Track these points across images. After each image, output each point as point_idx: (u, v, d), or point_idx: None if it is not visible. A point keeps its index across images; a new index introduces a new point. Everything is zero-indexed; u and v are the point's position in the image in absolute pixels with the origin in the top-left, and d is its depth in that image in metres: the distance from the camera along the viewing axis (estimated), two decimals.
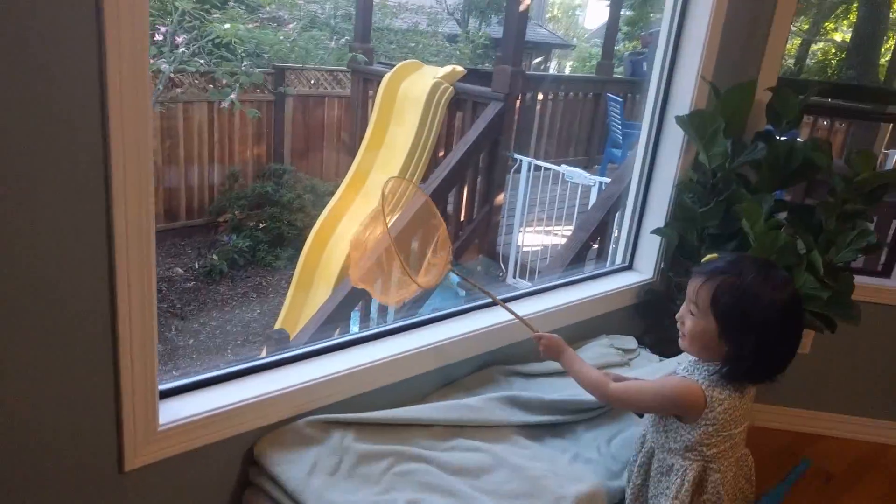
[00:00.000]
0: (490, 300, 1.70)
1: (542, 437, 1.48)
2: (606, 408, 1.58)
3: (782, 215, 1.99)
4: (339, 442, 1.31)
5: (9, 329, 0.95)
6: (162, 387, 1.20)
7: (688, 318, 1.23)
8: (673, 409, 1.24)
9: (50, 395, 1.02)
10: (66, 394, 1.04)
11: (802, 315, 1.23)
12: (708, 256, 1.28)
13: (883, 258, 2.52)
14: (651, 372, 1.72)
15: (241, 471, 1.31)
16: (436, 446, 1.36)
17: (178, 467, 1.21)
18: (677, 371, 1.30)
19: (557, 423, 1.52)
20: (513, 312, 1.54)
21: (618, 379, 1.37)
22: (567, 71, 16.20)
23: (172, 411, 1.20)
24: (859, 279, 2.38)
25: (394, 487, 1.23)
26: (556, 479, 1.32)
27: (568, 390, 1.58)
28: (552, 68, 15.98)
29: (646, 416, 1.34)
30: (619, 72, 9.03)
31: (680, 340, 1.27)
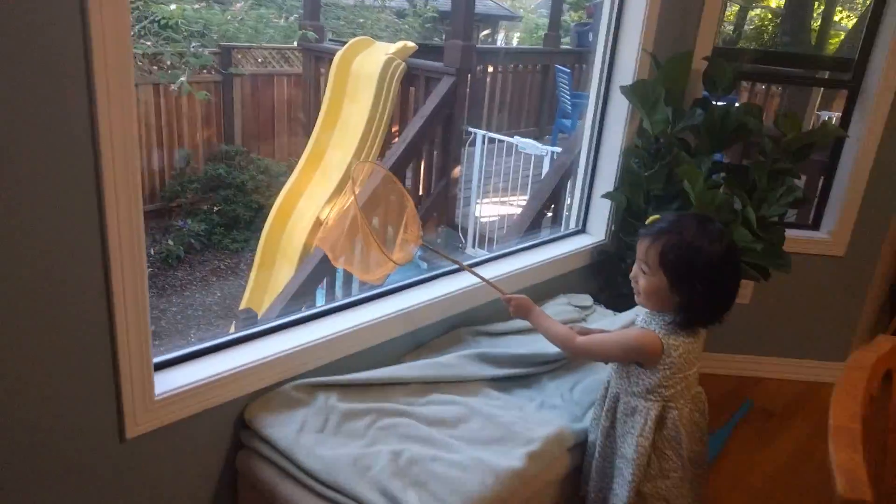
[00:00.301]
0: (455, 267, 1.82)
1: (510, 388, 1.61)
2: (567, 360, 1.72)
3: (721, 176, 2.15)
4: (323, 402, 1.42)
5: (13, 311, 1.02)
6: (156, 359, 1.28)
7: (641, 277, 1.36)
8: (634, 356, 1.37)
9: (54, 373, 1.09)
10: (69, 370, 1.11)
11: (739, 261, 1.36)
12: (651, 218, 1.42)
13: (812, 213, 2.72)
14: (608, 324, 1.87)
15: (233, 434, 1.40)
16: (414, 402, 1.48)
17: (175, 434, 1.30)
18: (636, 322, 1.44)
19: (524, 375, 1.65)
20: (481, 277, 1.65)
21: (582, 332, 1.50)
22: (514, 43, 16.23)
23: (167, 382, 1.28)
24: (793, 232, 2.59)
25: (378, 440, 1.34)
26: (525, 424, 1.45)
27: (532, 345, 1.71)
28: (500, 40, 15.99)
29: (609, 364, 1.48)
30: (566, 42, 9.16)
31: (636, 297, 1.40)
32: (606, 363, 1.52)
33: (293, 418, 1.36)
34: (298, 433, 1.33)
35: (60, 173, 1.02)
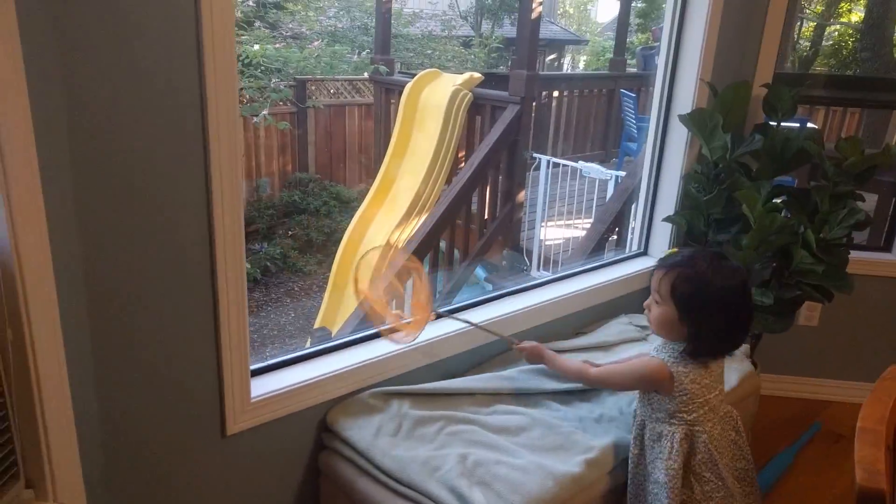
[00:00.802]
0: (517, 287, 1.93)
1: (570, 401, 1.70)
2: None
3: (783, 199, 2.19)
4: (397, 409, 1.55)
5: (142, 323, 1.20)
6: (252, 367, 1.45)
7: (653, 306, 1.43)
8: (646, 384, 1.44)
9: (170, 376, 1.27)
10: (182, 375, 1.29)
11: (750, 300, 1.42)
12: (668, 251, 1.51)
13: (884, 235, 2.69)
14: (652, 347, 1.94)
15: (316, 436, 1.55)
16: (479, 411, 1.59)
17: (267, 433, 1.46)
18: (651, 353, 1.48)
19: (584, 389, 1.73)
20: (492, 331, 1.71)
21: (595, 366, 1.58)
22: (581, 66, 16.28)
23: (261, 387, 1.44)
24: (864, 255, 2.57)
25: (446, 444, 1.46)
26: (584, 434, 1.54)
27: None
28: (566, 64, 16.09)
29: (635, 393, 1.54)
30: (631, 64, 9.17)
31: (649, 326, 1.47)
32: (624, 391, 1.62)
33: (370, 423, 1.50)
34: (375, 436, 1.46)
35: (178, 199, 1.20)
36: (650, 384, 1.43)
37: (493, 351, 1.91)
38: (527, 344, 1.64)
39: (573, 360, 1.59)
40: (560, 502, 1.35)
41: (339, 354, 1.63)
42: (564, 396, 1.70)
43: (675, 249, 1.50)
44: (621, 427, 1.61)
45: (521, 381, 1.70)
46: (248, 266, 6.40)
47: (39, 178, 0.98)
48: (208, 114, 1.18)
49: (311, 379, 1.51)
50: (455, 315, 1.73)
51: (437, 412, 1.55)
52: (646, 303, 1.46)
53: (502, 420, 1.56)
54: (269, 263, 6.49)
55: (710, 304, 1.34)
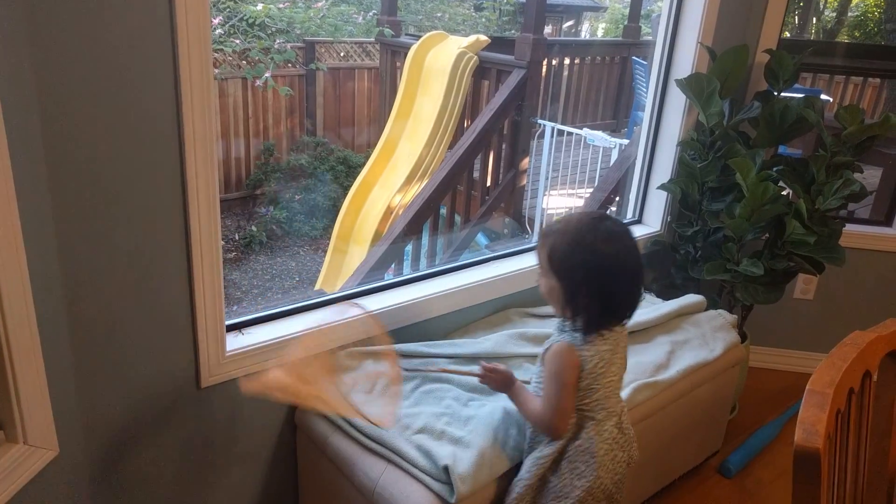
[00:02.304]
0: (510, 251, 1.93)
1: None
2: None
3: (778, 168, 2.15)
4: (372, 368, 1.56)
5: (116, 280, 1.21)
6: (228, 322, 1.45)
7: (540, 280, 1.31)
8: (573, 377, 1.27)
9: (147, 331, 1.28)
10: (158, 329, 1.30)
11: (636, 264, 1.27)
12: (555, 219, 1.37)
13: (886, 208, 2.64)
14: (651, 312, 1.93)
15: None
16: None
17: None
18: (552, 338, 1.33)
19: None
20: (456, 371, 1.55)
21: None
22: (599, 33, 15.98)
23: (236, 342, 1.45)
24: (864, 228, 2.54)
25: (420, 402, 1.47)
26: None
27: None
28: (584, 31, 15.79)
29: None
30: (647, 32, 8.97)
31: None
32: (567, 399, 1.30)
33: (345, 380, 1.51)
34: (348, 393, 1.47)
35: (150, 166, 1.19)
36: (574, 375, 1.26)
37: (480, 314, 1.91)
38: (499, 367, 1.40)
39: (534, 399, 1.34)
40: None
41: (318, 312, 1.63)
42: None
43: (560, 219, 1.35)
44: None
45: (499, 345, 1.70)
46: (254, 229, 6.45)
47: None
48: (180, 70, 1.17)
49: (287, 335, 1.51)
50: (422, 369, 1.59)
51: (413, 372, 1.56)
52: (538, 280, 1.34)
53: (478, 380, 1.57)
54: (274, 226, 6.51)
55: (587, 267, 1.22)
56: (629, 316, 1.29)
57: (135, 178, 1.18)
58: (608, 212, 3.59)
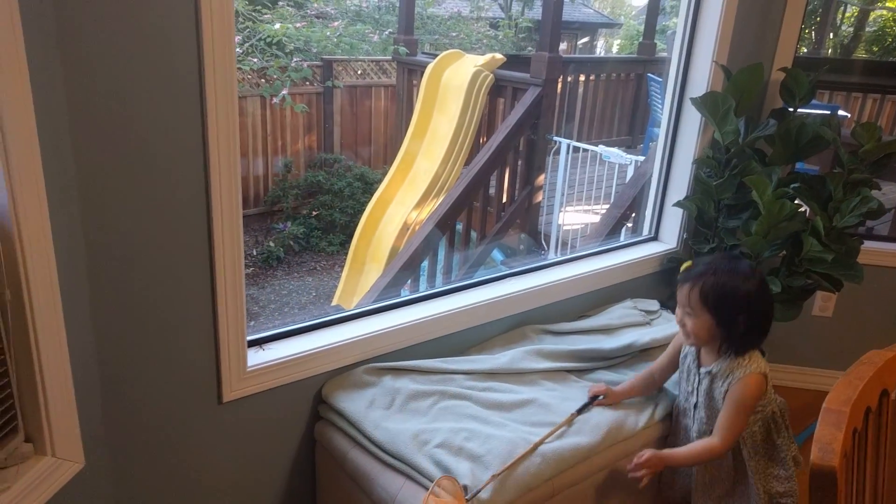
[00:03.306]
0: (527, 266, 1.94)
1: (566, 380, 1.71)
2: (626, 355, 1.80)
3: (795, 186, 2.15)
4: (391, 385, 1.58)
5: (142, 297, 1.24)
6: (249, 337, 1.48)
7: (688, 320, 1.48)
8: (754, 404, 1.49)
9: (170, 346, 1.31)
10: (181, 344, 1.33)
11: (769, 292, 1.52)
12: (685, 265, 1.56)
13: None
14: (664, 330, 1.93)
15: (312, 408, 1.59)
16: (474, 387, 1.61)
17: (263, 402, 1.49)
18: (728, 381, 1.48)
19: (581, 369, 1.74)
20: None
21: (660, 372, 1.67)
22: (615, 50, 16.02)
23: (257, 357, 1.48)
24: (882, 245, 2.52)
25: (439, 418, 1.48)
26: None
27: (592, 343, 1.81)
28: (599, 48, 15.85)
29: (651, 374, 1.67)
30: (662, 48, 8.99)
31: (686, 340, 1.54)
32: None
33: (363, 396, 1.53)
34: (367, 408, 1.49)
35: (175, 186, 1.23)
36: (758, 401, 1.49)
37: (496, 330, 1.92)
38: (647, 453, 1.47)
39: (693, 445, 1.52)
40: (545, 478, 1.36)
41: (338, 328, 1.65)
42: (560, 375, 1.71)
43: (690, 263, 1.58)
44: (616, 408, 1.61)
45: (516, 361, 1.71)
46: (272, 245, 6.52)
47: (38, 138, 1.01)
48: (205, 78, 1.21)
49: (307, 351, 1.54)
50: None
51: (431, 387, 1.58)
52: (678, 319, 1.52)
53: (496, 397, 1.58)
54: (292, 242, 6.57)
55: (741, 303, 1.43)
56: (767, 335, 1.49)
57: (161, 196, 1.22)
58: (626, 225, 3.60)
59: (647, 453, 1.46)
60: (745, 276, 1.45)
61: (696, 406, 1.56)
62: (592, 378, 1.72)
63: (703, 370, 1.53)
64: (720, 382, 1.49)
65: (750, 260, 2.05)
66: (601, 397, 1.60)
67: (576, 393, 1.65)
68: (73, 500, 1.20)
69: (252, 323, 6.07)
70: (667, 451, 1.51)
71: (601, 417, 1.55)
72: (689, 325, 1.48)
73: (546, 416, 1.52)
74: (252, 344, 1.51)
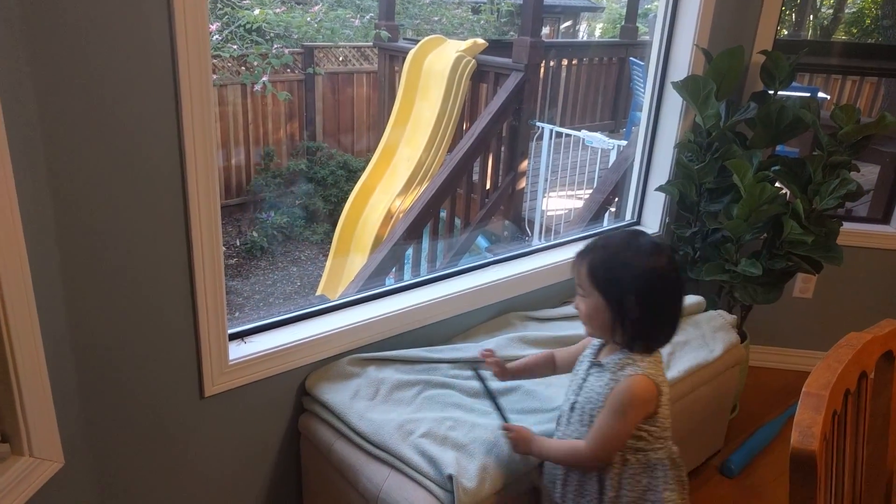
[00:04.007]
0: (511, 254, 1.93)
1: None
2: None
3: (775, 169, 2.16)
4: (375, 375, 1.57)
5: (117, 291, 1.22)
6: (230, 330, 1.47)
7: (580, 303, 1.25)
8: (643, 413, 1.22)
9: (149, 340, 1.29)
10: (161, 338, 1.31)
11: (678, 278, 1.24)
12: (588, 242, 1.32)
13: (884, 206, 2.65)
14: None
15: (296, 400, 1.57)
16: (458, 375, 1.61)
17: (246, 395, 1.48)
18: (616, 378, 1.23)
19: None
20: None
21: (562, 362, 1.42)
22: (597, 34, 15.98)
23: (239, 351, 1.47)
24: (862, 226, 2.55)
25: (423, 408, 1.48)
26: (561, 398, 1.55)
27: (576, 329, 1.81)
28: (581, 32, 15.80)
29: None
30: (645, 31, 8.98)
31: (585, 329, 1.29)
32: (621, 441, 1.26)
33: (347, 387, 1.52)
34: (352, 399, 1.48)
35: (150, 176, 1.20)
36: (644, 411, 1.22)
37: (480, 318, 1.92)
38: (522, 429, 1.34)
39: (562, 442, 1.31)
40: (532, 464, 1.37)
41: (321, 319, 1.64)
42: None
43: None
44: None
45: (502, 347, 1.71)
46: (255, 235, 6.46)
47: (6, 134, 0.98)
48: (180, 80, 1.18)
49: (290, 343, 1.53)
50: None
51: (416, 377, 1.57)
52: (574, 303, 1.29)
53: (480, 384, 1.57)
54: (276, 232, 6.52)
55: (633, 284, 1.18)
56: (674, 333, 1.24)
57: (135, 188, 1.19)
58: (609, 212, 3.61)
59: (523, 430, 1.32)
60: (642, 251, 1.20)
61: (573, 407, 1.31)
62: None
63: (593, 364, 1.30)
64: (607, 377, 1.24)
65: (731, 244, 2.06)
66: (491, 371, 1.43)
67: (560, 380, 1.65)
68: (54, 499, 1.18)
69: (236, 314, 6.04)
70: (539, 437, 1.33)
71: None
72: (581, 308, 1.25)
73: (531, 402, 1.53)
74: (234, 337, 1.49)
